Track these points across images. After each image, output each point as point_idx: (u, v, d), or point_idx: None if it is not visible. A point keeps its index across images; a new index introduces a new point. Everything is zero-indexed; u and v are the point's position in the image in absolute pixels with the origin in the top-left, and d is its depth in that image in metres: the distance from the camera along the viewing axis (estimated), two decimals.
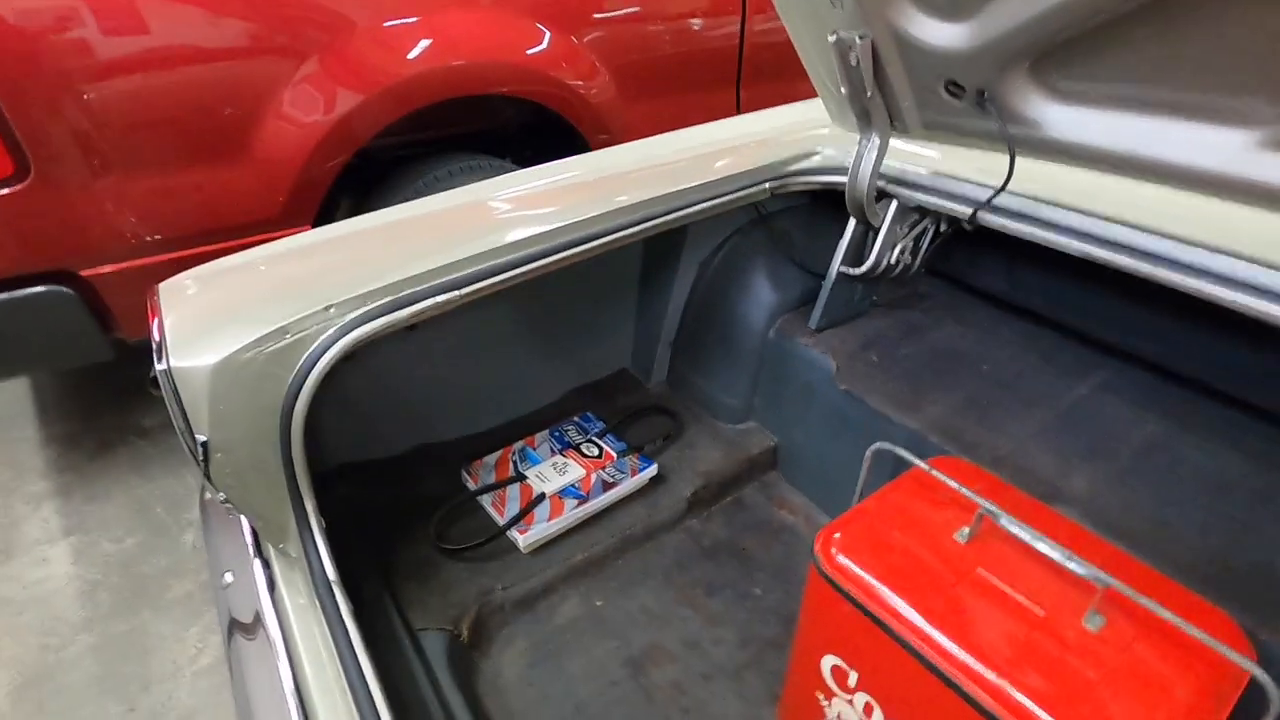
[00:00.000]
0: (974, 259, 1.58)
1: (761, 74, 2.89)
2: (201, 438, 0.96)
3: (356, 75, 1.91)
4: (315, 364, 0.97)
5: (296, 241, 1.23)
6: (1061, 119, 1.04)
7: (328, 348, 0.98)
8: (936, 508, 1.03)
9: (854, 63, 1.14)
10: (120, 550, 2.01)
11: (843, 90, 1.21)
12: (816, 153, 1.46)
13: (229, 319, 1.01)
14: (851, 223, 1.42)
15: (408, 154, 2.30)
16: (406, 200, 2.21)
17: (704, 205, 1.32)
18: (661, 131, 2.75)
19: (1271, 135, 0.86)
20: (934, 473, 1.02)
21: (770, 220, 1.60)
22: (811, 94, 3.26)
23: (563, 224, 1.20)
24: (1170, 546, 1.08)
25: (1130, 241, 1.07)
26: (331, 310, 1.01)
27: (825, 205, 1.50)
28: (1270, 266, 0.95)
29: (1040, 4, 0.92)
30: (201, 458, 0.95)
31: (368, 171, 2.21)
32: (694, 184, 1.32)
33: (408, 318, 1.05)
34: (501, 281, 1.12)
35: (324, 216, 2.08)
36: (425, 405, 1.60)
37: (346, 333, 1.00)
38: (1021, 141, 1.09)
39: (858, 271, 1.44)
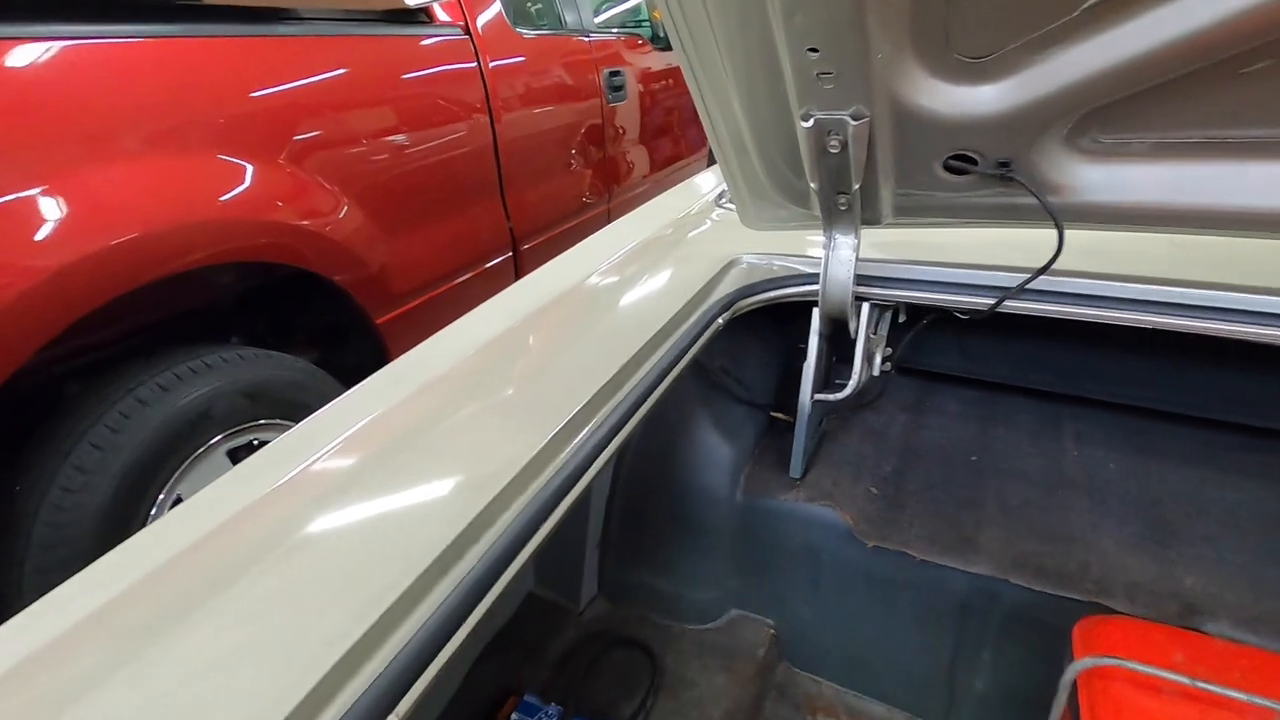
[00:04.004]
0: (919, 342, 1.38)
1: (527, 174, 2.55)
2: None
3: None
4: None
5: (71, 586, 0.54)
6: (1101, 180, 0.86)
7: None
8: (1169, 704, 0.74)
9: (835, 149, 0.85)
10: None
11: (812, 185, 0.91)
12: (740, 263, 1.14)
13: None
14: (814, 342, 1.12)
15: (83, 368, 1.50)
16: (93, 443, 1.41)
17: (667, 382, 0.91)
18: (433, 258, 2.26)
19: None
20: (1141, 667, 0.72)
21: (700, 362, 1.23)
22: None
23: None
24: None
25: (1178, 299, 0.92)
26: None
27: (738, 328, 1.17)
28: None
29: (1096, 63, 0.71)
30: None
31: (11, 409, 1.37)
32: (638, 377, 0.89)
33: None
34: None
35: None
36: None
37: None
38: (1059, 210, 0.88)
39: (839, 396, 1.14)
